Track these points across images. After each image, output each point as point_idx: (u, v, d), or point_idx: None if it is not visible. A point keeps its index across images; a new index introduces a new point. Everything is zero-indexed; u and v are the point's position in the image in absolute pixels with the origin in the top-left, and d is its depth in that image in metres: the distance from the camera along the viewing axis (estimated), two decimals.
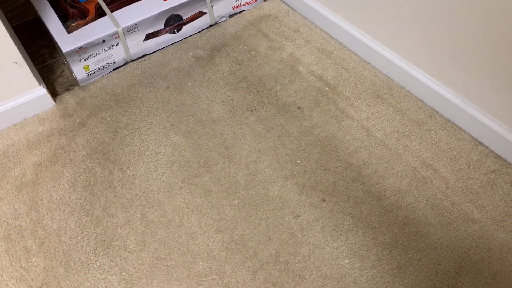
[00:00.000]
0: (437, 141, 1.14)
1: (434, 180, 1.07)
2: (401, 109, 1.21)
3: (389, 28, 1.22)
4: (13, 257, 1.00)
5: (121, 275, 0.96)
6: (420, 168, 1.09)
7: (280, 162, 1.13)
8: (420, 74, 1.20)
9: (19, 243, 1.02)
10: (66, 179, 1.13)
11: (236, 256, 0.97)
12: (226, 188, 1.09)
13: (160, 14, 1.37)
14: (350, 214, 1.02)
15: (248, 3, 1.54)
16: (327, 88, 1.28)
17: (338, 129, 1.18)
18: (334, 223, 1.01)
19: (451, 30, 1.05)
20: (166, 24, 1.41)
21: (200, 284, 0.93)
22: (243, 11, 1.54)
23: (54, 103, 1.30)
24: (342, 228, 1.00)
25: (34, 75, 1.24)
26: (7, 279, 0.97)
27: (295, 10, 1.52)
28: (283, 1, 1.56)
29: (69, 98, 1.31)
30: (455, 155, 1.11)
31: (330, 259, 0.96)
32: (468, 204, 1.02)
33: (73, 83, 1.36)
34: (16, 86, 1.22)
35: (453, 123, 1.17)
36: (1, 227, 1.05)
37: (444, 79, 1.15)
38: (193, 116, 1.25)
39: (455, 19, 1.03)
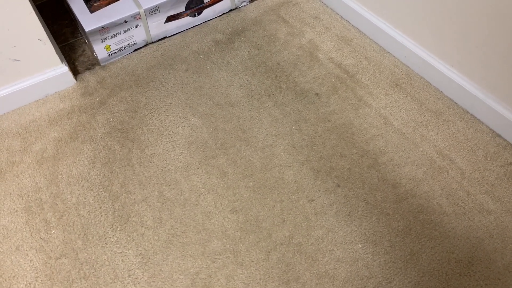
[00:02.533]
0: (454, 132, 1.14)
1: (450, 170, 1.07)
2: (419, 99, 1.21)
3: (410, 18, 1.21)
4: (33, 229, 1.03)
5: (138, 250, 0.98)
6: (437, 158, 1.09)
7: (296, 147, 1.14)
8: (440, 64, 1.20)
9: (39, 215, 1.05)
10: (85, 155, 1.15)
11: (250, 236, 0.99)
12: (242, 170, 1.10)
13: None
14: (364, 200, 1.03)
15: None
16: (345, 76, 1.28)
17: (355, 116, 1.18)
18: (348, 209, 1.02)
19: (473, 21, 1.04)
20: (187, 7, 1.41)
21: (214, 262, 0.95)
22: None
23: (75, 81, 1.32)
24: (356, 214, 1.01)
25: (56, 52, 1.26)
26: (27, 249, 1.00)
27: None
28: None
29: (90, 77, 1.33)
30: (472, 146, 1.10)
31: (343, 243, 0.97)
32: (484, 195, 1.02)
33: (94, 63, 1.38)
34: (39, 63, 1.24)
35: (471, 114, 1.17)
36: (22, 199, 1.08)
37: (464, 70, 1.14)
38: (211, 98, 1.26)
39: (478, 10, 1.02)
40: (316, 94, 1.24)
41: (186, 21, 1.44)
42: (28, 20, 1.15)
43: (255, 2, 1.53)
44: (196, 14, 1.45)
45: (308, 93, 1.25)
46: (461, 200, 1.02)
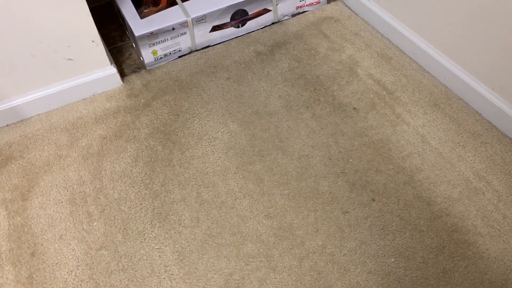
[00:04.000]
0: (492, 154, 1.14)
1: (486, 192, 1.07)
2: (457, 120, 1.22)
3: (451, 38, 1.23)
4: (76, 220, 1.08)
5: (175, 247, 1.01)
6: (473, 179, 1.09)
7: (332, 159, 1.16)
8: (480, 86, 1.20)
9: (82, 208, 1.10)
10: (129, 153, 1.20)
11: (284, 242, 1.01)
12: (277, 178, 1.13)
13: (228, 8, 1.43)
14: (399, 215, 1.04)
15: (311, 4, 1.58)
16: (384, 92, 1.30)
17: (392, 133, 1.20)
18: (382, 223, 1.03)
19: None
20: (232, 18, 1.46)
21: (248, 264, 0.98)
22: (306, 11, 1.58)
23: (121, 83, 1.38)
24: (390, 228, 1.02)
25: (107, 54, 1.32)
26: (70, 238, 1.04)
27: (357, 14, 1.55)
28: (346, 5, 1.59)
29: (135, 80, 1.39)
30: (510, 170, 1.10)
31: (376, 256, 0.98)
32: None
33: (140, 66, 1.44)
34: (90, 64, 1.31)
35: (510, 138, 1.16)
36: (67, 191, 1.13)
37: (505, 94, 1.15)
38: (251, 107, 1.30)
39: None
40: (354, 108, 1.26)
41: (230, 32, 1.49)
42: (84, 22, 1.22)
43: (297, 16, 1.57)
44: (240, 25, 1.50)
45: (346, 107, 1.27)
46: (497, 222, 1.01)
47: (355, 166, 1.14)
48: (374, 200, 1.07)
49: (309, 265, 0.97)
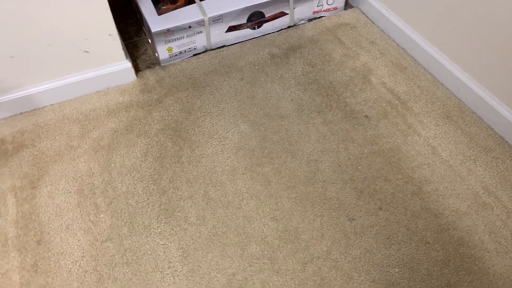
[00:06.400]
0: (503, 170, 1.13)
1: (495, 208, 1.06)
2: (469, 133, 1.21)
3: (468, 51, 1.22)
4: (83, 211, 1.08)
5: (179, 244, 1.02)
6: (482, 193, 1.08)
7: (341, 165, 1.15)
8: (494, 101, 1.19)
9: (90, 199, 1.10)
10: (139, 148, 1.21)
11: (288, 246, 1.01)
12: (285, 181, 1.13)
13: (245, 9, 1.43)
14: (405, 226, 1.04)
15: (328, 10, 1.58)
16: (397, 102, 1.29)
17: (403, 142, 1.19)
18: (388, 232, 1.03)
19: None
20: (248, 19, 1.47)
21: (251, 265, 0.98)
22: (322, 17, 1.58)
23: (135, 77, 1.39)
24: (395, 238, 1.02)
25: (122, 48, 1.33)
26: (77, 229, 1.05)
27: (373, 23, 1.54)
28: (363, 13, 1.59)
29: (149, 75, 1.40)
30: None
31: (380, 265, 0.97)
32: None
33: (154, 62, 1.45)
34: (106, 57, 1.32)
35: None
36: (76, 182, 1.14)
37: None
38: (262, 109, 1.30)
39: None
40: (366, 116, 1.26)
41: (246, 33, 1.50)
42: (102, 16, 1.23)
43: (313, 21, 1.57)
44: (256, 27, 1.50)
45: (358, 115, 1.27)
46: (504, 239, 1.01)
47: (364, 173, 1.13)
48: (381, 209, 1.07)
49: (313, 270, 0.97)
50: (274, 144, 1.21)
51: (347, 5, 1.62)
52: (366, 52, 1.44)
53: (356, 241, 1.02)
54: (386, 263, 0.98)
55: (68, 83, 1.31)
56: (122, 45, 1.34)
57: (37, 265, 0.99)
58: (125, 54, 1.36)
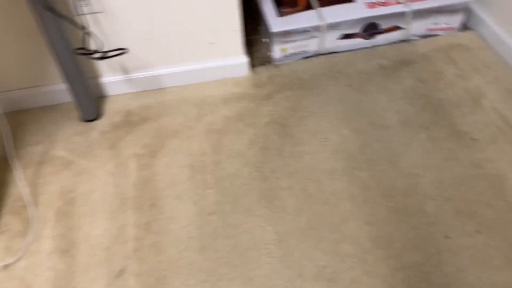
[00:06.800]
0: None
1: None
2: None
3: None
4: (193, 184, 1.20)
5: (276, 229, 1.09)
6: None
7: (442, 183, 1.16)
8: None
9: (200, 175, 1.22)
10: (246, 136, 1.30)
11: (380, 251, 1.04)
12: (383, 189, 1.16)
13: (362, 19, 1.48)
14: (504, 254, 1.02)
15: (444, 29, 1.57)
16: (508, 129, 1.26)
17: (510, 170, 1.17)
18: (485, 256, 1.02)
19: None
20: (363, 29, 1.51)
21: (343, 262, 1.02)
22: (437, 35, 1.58)
23: (249, 72, 1.50)
24: (492, 264, 1.00)
25: (242, 44, 1.44)
26: (186, 199, 1.16)
27: (490, 46, 1.51)
28: (480, 35, 1.56)
29: (262, 72, 1.50)
30: None
31: (472, 286, 0.97)
32: None
33: (267, 60, 1.55)
34: (228, 50, 1.43)
35: None
36: (190, 157, 1.26)
37: None
38: (367, 117, 1.33)
39: None
40: (473, 138, 1.25)
41: (358, 42, 1.54)
42: (231, 12, 1.34)
43: (427, 38, 1.57)
44: (369, 37, 1.54)
45: (465, 136, 1.26)
46: None
47: (465, 195, 1.13)
48: (480, 232, 1.06)
49: (402, 278, 0.99)
50: (375, 152, 1.24)
51: (464, 26, 1.60)
52: (479, 75, 1.42)
53: (449, 259, 1.02)
54: (477, 285, 0.97)
55: (191, 69, 1.44)
56: (243, 41, 1.45)
57: (150, 224, 1.12)
58: (244, 49, 1.46)
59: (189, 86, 1.47)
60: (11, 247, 1.09)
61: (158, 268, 1.03)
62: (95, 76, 1.40)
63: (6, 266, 1.05)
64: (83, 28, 1.24)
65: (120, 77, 1.42)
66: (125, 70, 1.41)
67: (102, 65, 1.37)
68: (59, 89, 1.38)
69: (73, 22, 1.20)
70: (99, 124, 1.37)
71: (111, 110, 1.41)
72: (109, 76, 1.41)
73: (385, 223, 1.09)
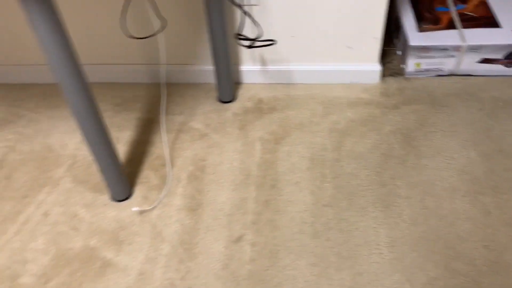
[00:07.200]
0: None
1: None
2: None
3: None
4: (312, 175, 1.26)
5: (389, 233, 1.11)
6: None
7: None
8: None
9: (319, 168, 1.28)
10: (369, 141, 1.34)
11: (496, 277, 1.01)
12: (507, 218, 1.12)
13: (506, 46, 1.43)
14: None
15: None
16: None
17: None
18: None
19: None
20: (505, 56, 1.47)
21: (453, 278, 1.01)
22: None
23: (379, 81, 1.53)
24: None
25: (379, 52, 1.48)
26: (304, 187, 1.23)
27: None
28: None
29: (392, 82, 1.52)
30: None
31: None
32: None
33: (398, 72, 1.57)
34: (363, 56, 1.48)
35: None
36: (310, 150, 1.32)
37: None
38: (497, 143, 1.30)
39: None
40: None
41: (497, 68, 1.50)
42: (376, 20, 1.39)
43: None
44: (510, 65, 1.49)
45: None
46: None
47: None
48: None
49: None
50: (503, 180, 1.20)
51: None
52: None
53: None
54: None
55: (323, 69, 1.52)
56: (380, 50, 1.49)
57: (269, 202, 1.20)
58: (378, 57, 1.50)
59: (318, 85, 1.54)
60: (148, 197, 1.24)
61: (272, 242, 1.11)
62: (237, 63, 1.53)
63: (142, 212, 1.21)
64: (248, 15, 1.38)
65: (257, 67, 1.53)
66: (263, 62, 1.52)
67: (246, 53, 1.50)
68: (205, 69, 1.54)
69: (241, 9, 1.33)
70: (232, 106, 1.49)
71: (244, 96, 1.53)
72: (249, 65, 1.54)
73: (506, 250, 1.05)
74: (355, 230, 1.12)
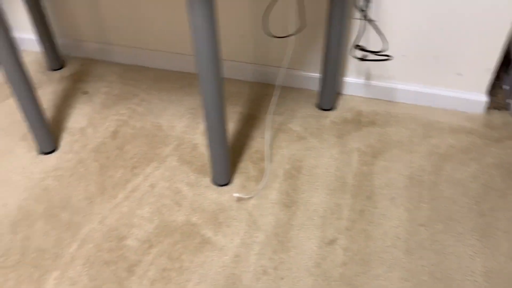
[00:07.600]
0: None
1: None
2: None
3: None
4: (408, 193, 1.27)
5: (486, 263, 1.10)
6: None
7: None
8: None
9: (416, 188, 1.28)
10: (469, 169, 1.32)
11: None
12: None
13: None
14: None
15: None
16: None
17: None
18: None
19: None
20: None
21: None
22: None
23: (483, 112, 1.51)
24: None
25: (489, 83, 1.46)
26: (399, 204, 1.24)
27: None
28: None
29: (496, 116, 1.50)
30: None
31: None
32: None
33: (503, 106, 1.54)
34: (471, 84, 1.47)
35: None
36: (408, 169, 1.33)
37: None
38: None
39: None
40: None
41: None
42: (492, 51, 1.38)
43: None
44: None
45: None
46: None
47: None
48: None
49: None
50: None
51: None
52: None
53: None
54: None
55: (427, 92, 1.52)
56: (491, 80, 1.47)
57: (364, 212, 1.23)
58: (486, 88, 1.48)
59: (420, 106, 1.54)
60: (246, 186, 1.31)
61: (365, 251, 1.14)
62: (341, 74, 1.57)
63: (240, 199, 1.27)
64: (376, 29, 1.42)
65: (361, 80, 1.57)
66: (368, 76, 1.55)
67: (352, 65, 1.54)
68: (311, 76, 1.59)
69: (371, 23, 1.38)
70: (331, 114, 1.54)
71: (344, 107, 1.57)
72: (352, 77, 1.57)
73: None
74: (450, 254, 1.12)
